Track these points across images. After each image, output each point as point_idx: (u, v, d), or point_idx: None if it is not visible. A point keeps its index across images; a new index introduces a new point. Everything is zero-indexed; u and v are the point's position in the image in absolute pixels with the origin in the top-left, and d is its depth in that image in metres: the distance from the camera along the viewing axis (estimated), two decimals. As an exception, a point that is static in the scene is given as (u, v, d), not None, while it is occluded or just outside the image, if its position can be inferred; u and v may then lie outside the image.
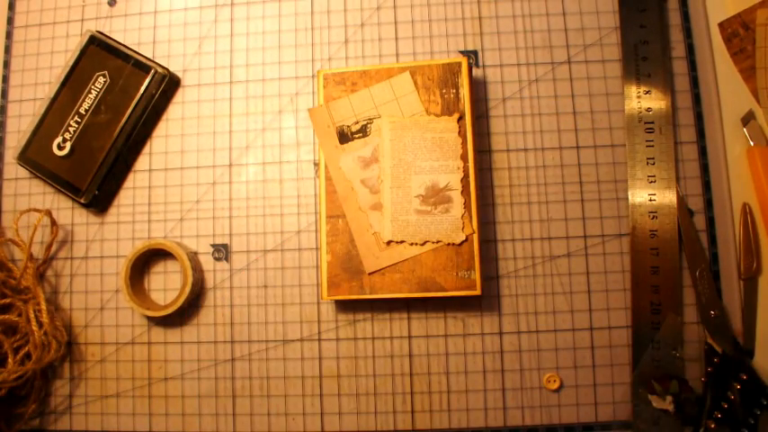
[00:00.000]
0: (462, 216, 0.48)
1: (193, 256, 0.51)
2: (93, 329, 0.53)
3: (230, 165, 0.54)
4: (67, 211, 0.55)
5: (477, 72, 0.53)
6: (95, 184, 0.53)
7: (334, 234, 0.49)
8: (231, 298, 0.52)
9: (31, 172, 0.54)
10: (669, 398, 0.46)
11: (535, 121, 0.52)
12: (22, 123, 0.56)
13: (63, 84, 0.54)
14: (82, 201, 0.53)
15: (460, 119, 0.49)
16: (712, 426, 0.45)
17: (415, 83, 0.50)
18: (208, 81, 0.55)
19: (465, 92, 0.49)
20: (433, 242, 0.48)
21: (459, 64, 0.50)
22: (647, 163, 0.50)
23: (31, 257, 0.51)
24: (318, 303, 0.52)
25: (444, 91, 0.50)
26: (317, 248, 0.52)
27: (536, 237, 0.51)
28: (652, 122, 0.51)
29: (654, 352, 0.48)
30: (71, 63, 0.54)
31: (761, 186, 0.49)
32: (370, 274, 0.48)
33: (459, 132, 0.49)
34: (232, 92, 0.55)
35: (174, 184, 0.54)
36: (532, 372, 0.49)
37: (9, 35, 0.58)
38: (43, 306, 0.50)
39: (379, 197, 0.49)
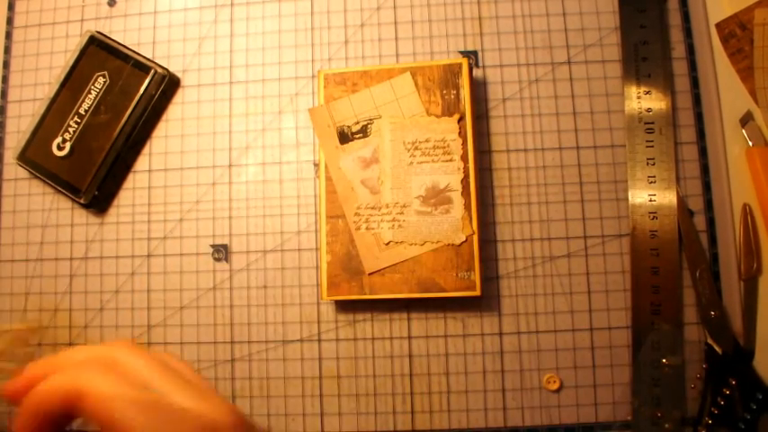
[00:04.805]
0: (462, 217, 0.48)
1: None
2: (92, 330, 0.53)
3: (230, 165, 0.54)
4: (67, 212, 0.55)
5: (477, 72, 0.53)
6: (95, 184, 0.53)
7: (333, 234, 0.49)
8: (231, 298, 0.52)
9: (30, 172, 0.54)
10: None
11: (535, 122, 0.52)
12: (21, 124, 0.56)
13: (63, 84, 0.54)
14: (81, 201, 0.53)
15: (461, 119, 0.49)
16: (710, 422, 0.45)
17: (416, 83, 0.50)
18: (207, 81, 0.55)
19: (465, 92, 0.49)
20: (433, 243, 0.48)
21: (460, 65, 0.50)
22: (647, 163, 0.50)
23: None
24: (318, 304, 0.51)
25: (445, 92, 0.50)
26: (316, 249, 0.52)
27: (536, 237, 0.51)
28: (652, 123, 0.51)
29: (653, 352, 0.48)
30: (71, 63, 0.54)
31: (761, 187, 0.49)
32: (369, 274, 0.48)
33: (460, 133, 0.49)
34: (232, 92, 0.55)
35: (174, 184, 0.54)
36: (532, 372, 0.49)
37: (9, 35, 0.58)
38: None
39: (380, 198, 0.49)
